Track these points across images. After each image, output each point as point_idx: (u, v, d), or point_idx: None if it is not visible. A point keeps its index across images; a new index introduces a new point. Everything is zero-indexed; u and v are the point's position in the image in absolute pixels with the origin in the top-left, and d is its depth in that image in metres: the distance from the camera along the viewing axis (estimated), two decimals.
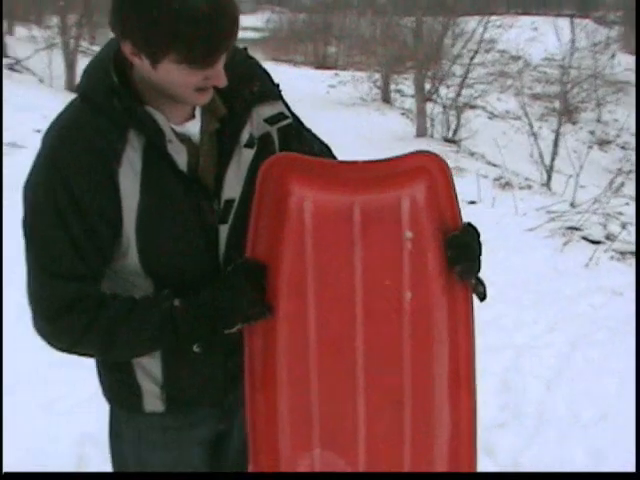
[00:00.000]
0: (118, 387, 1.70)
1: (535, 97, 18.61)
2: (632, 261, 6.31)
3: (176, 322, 1.47)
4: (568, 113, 16.41)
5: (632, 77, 20.11)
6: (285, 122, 1.64)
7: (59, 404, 3.63)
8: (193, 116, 1.53)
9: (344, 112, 14.63)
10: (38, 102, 9.98)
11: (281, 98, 1.65)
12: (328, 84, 17.72)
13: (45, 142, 1.46)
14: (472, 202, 8.00)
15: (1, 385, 2.85)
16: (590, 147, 14.71)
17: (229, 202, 1.56)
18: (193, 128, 1.52)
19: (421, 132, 12.62)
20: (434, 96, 13.43)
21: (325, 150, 1.79)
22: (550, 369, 4.29)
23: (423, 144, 11.71)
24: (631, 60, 22.22)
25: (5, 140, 8.13)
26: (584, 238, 6.67)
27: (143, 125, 1.43)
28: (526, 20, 24.78)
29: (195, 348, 1.54)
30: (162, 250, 1.49)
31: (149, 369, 1.63)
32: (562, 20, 18.54)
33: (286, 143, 1.65)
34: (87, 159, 1.41)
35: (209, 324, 1.49)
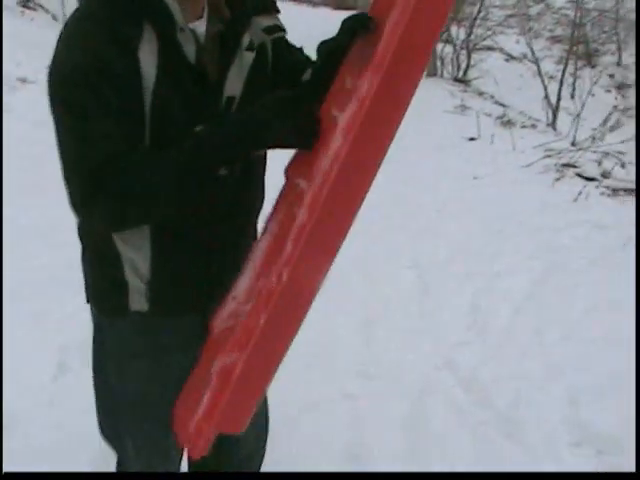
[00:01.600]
0: (105, 284, 1.73)
1: (556, 39, 18.41)
2: (624, 198, 6.41)
3: (201, 142, 1.49)
4: (587, 55, 16.27)
5: None
6: (280, 34, 1.76)
7: (46, 317, 3.84)
8: (201, 16, 1.61)
9: None
10: (50, 39, 10.05)
11: (278, 12, 1.77)
12: None
13: (66, 30, 1.51)
14: (472, 139, 8.09)
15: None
16: (608, 91, 14.60)
17: (231, 99, 1.64)
18: (200, 27, 1.60)
19: (431, 72, 12.57)
20: (445, 35, 13.36)
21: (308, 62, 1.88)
22: (521, 294, 4.44)
23: (432, 83, 11.73)
24: None
25: (17, 75, 8.31)
26: (578, 175, 6.76)
27: (156, 15, 1.49)
28: None
29: (222, 171, 1.55)
30: (170, 134, 1.52)
31: (136, 264, 1.66)
32: None
33: (278, 54, 1.77)
34: (110, 36, 1.45)
35: (237, 142, 1.51)
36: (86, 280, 1.82)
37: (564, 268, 4.80)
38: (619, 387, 3.47)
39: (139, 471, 1.91)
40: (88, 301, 1.84)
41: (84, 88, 1.43)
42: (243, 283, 1.68)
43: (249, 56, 1.67)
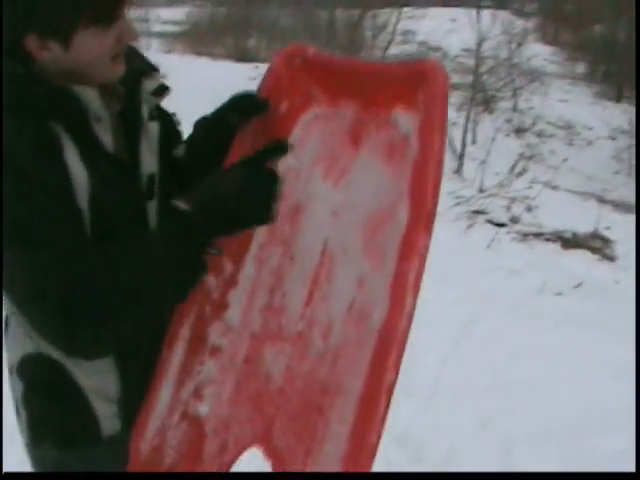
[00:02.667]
0: (65, 418, 1.57)
1: (454, 87, 18.95)
2: (533, 242, 6.61)
3: (189, 223, 1.37)
4: (485, 102, 16.79)
5: (547, 66, 20.72)
6: (167, 93, 1.65)
7: None
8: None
9: None
10: None
11: (157, 71, 1.65)
12: (248, 76, 17.66)
13: None
14: None
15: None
16: (507, 135, 15.08)
17: (151, 177, 1.55)
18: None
19: None
20: None
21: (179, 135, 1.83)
22: (446, 343, 4.50)
23: None
24: (545, 50, 22.92)
25: None
26: (488, 221, 6.93)
27: (63, 110, 1.38)
28: (445, 12, 25.14)
29: (214, 252, 1.42)
30: (108, 229, 1.41)
31: (102, 390, 1.55)
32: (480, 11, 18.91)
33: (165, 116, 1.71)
34: (32, 153, 1.32)
35: (223, 222, 1.41)
36: (30, 419, 1.60)
37: (485, 315, 4.89)
38: (549, 432, 3.54)
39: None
40: (34, 441, 1.63)
41: (24, 204, 1.29)
42: (163, 397, 1.62)
43: (154, 127, 1.59)
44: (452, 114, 14.49)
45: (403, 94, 1.58)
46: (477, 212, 7.13)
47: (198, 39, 21.81)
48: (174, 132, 1.76)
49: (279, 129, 1.71)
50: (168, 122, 1.71)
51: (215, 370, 1.64)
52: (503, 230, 6.69)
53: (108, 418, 1.57)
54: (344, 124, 1.69)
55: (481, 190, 8.23)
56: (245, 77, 18.02)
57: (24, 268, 1.28)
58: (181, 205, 1.37)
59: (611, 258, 6.60)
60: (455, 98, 17.54)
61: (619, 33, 20.83)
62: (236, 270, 1.67)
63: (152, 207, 1.57)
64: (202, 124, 1.75)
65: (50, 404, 1.56)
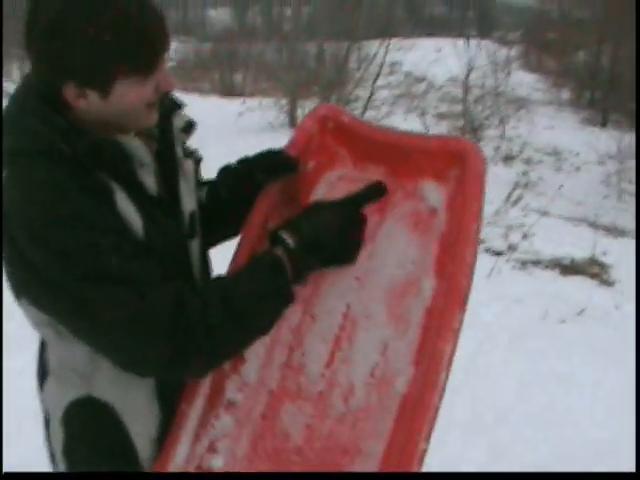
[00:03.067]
0: (105, 456, 1.56)
1: (441, 116, 19.10)
2: (532, 270, 6.62)
3: (291, 257, 1.44)
4: (473, 131, 16.90)
5: (532, 94, 20.91)
6: (194, 129, 1.66)
7: None
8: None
9: (252, 139, 14.71)
10: None
11: (185, 106, 1.65)
12: (236, 111, 17.82)
13: (32, 208, 1.30)
14: None
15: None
16: (495, 163, 15.15)
17: (192, 215, 1.56)
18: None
19: None
20: None
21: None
22: (453, 375, 4.47)
23: None
24: (530, 78, 23.16)
25: None
26: (487, 250, 6.94)
27: (108, 159, 1.37)
28: (430, 42, 25.37)
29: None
30: (158, 273, 1.40)
31: (145, 429, 1.54)
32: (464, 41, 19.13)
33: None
34: (90, 202, 1.33)
35: (321, 262, 1.50)
36: (71, 469, 1.58)
37: (490, 345, 4.88)
38: (560, 461, 3.53)
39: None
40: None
41: (93, 249, 1.30)
42: (180, 453, 1.57)
43: (189, 164, 1.60)
44: None
45: (434, 167, 1.66)
46: None
47: (185, 75, 21.89)
48: (198, 168, 1.76)
49: (304, 187, 1.76)
50: (194, 158, 1.71)
51: (231, 424, 1.61)
52: (502, 258, 6.70)
53: (149, 460, 1.56)
54: None
55: None
56: (233, 112, 18.13)
57: (115, 307, 1.29)
58: (288, 241, 1.44)
59: (610, 283, 6.62)
60: (443, 127, 17.70)
61: (602, 59, 21.05)
62: None
63: (195, 245, 1.58)
64: (228, 175, 1.76)
65: (95, 452, 1.55)
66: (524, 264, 6.75)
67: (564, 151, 18.04)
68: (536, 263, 6.84)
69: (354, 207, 1.52)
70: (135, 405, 1.52)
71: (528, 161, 17.05)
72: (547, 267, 6.77)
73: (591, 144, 16.63)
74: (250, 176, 1.70)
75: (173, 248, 1.49)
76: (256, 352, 1.64)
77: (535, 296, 5.81)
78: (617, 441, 3.77)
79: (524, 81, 22.16)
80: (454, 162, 1.64)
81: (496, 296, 5.76)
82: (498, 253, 6.90)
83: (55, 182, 1.31)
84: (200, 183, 1.76)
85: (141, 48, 1.31)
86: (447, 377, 1.42)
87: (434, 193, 1.67)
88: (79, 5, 1.27)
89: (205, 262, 1.64)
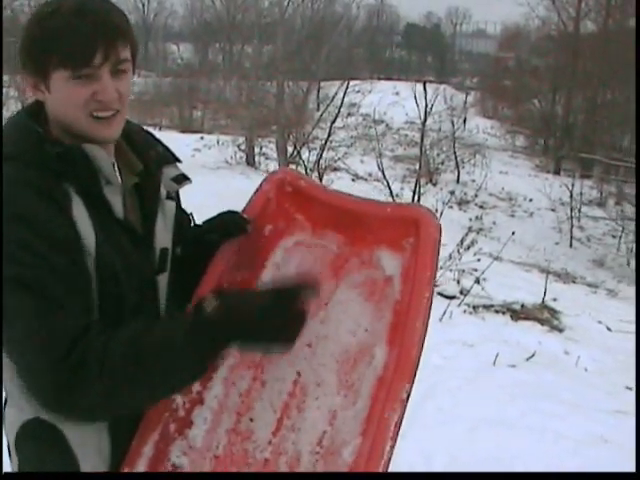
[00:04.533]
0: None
1: (398, 159, 19.33)
2: (484, 314, 6.70)
3: (207, 318, 1.36)
4: (429, 174, 17.13)
5: (488, 139, 21.27)
6: (187, 182, 1.71)
7: None
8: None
9: (209, 176, 14.73)
10: None
11: (180, 162, 1.72)
12: (193, 147, 17.82)
13: None
14: None
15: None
16: (450, 207, 15.34)
17: (164, 251, 1.58)
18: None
19: None
20: (297, 159, 13.78)
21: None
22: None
23: None
24: (486, 123, 23.58)
25: None
26: (439, 294, 7.01)
27: (75, 169, 1.42)
28: (388, 85, 25.78)
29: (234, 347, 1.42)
30: (115, 295, 1.44)
31: (93, 450, 1.52)
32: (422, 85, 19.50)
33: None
34: (42, 205, 1.37)
35: (241, 332, 1.39)
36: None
37: (441, 389, 4.91)
38: None
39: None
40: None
41: (33, 260, 1.33)
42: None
43: (171, 205, 1.64)
44: (397, 185, 14.77)
45: (390, 236, 1.69)
46: None
47: (144, 110, 21.89)
48: (185, 229, 1.78)
49: (260, 252, 1.78)
50: (184, 220, 1.76)
51: None
52: (454, 302, 6.77)
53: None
54: (326, 256, 1.77)
55: None
56: (191, 148, 18.16)
57: (24, 316, 1.32)
58: (208, 304, 1.36)
59: (560, 329, 6.72)
60: (399, 170, 17.92)
61: (556, 108, 21.55)
62: (204, 389, 1.65)
63: (163, 280, 1.59)
64: (187, 233, 1.79)
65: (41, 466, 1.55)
66: (476, 308, 6.83)
67: (518, 196, 18.37)
68: (488, 307, 6.93)
69: (288, 294, 1.40)
70: (83, 433, 1.50)
71: (483, 206, 17.32)
72: (498, 312, 6.86)
73: (544, 190, 16.94)
74: (203, 239, 1.75)
75: (137, 277, 1.50)
76: (203, 416, 1.63)
77: (486, 340, 5.87)
78: None
79: (480, 127, 22.56)
80: (409, 230, 1.67)
81: (448, 340, 5.80)
82: (450, 297, 6.97)
83: (16, 182, 1.38)
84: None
85: (69, 42, 1.40)
86: (393, 447, 1.42)
87: (390, 261, 1.70)
88: (38, 8, 1.48)
89: (174, 299, 1.63)
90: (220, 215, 1.78)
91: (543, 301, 7.31)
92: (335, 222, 1.78)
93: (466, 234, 7.77)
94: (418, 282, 1.55)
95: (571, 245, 14.79)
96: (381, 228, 1.72)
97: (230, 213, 1.77)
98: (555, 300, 7.60)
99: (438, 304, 6.69)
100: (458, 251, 7.32)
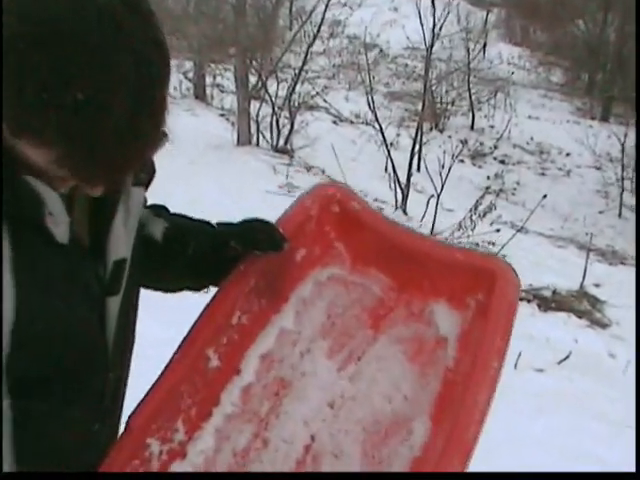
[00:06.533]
0: None
1: (393, 97, 19.25)
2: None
3: None
4: (434, 117, 17.08)
5: (514, 73, 21.19)
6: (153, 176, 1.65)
7: None
8: None
9: None
10: None
11: None
12: None
13: None
14: None
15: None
16: (462, 161, 15.33)
17: (119, 264, 1.53)
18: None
19: (244, 139, 12.75)
20: (262, 92, 13.67)
21: None
22: None
23: (247, 154, 11.92)
24: (510, 51, 23.47)
25: None
26: None
27: (16, 201, 1.36)
28: None
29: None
30: (41, 346, 1.40)
31: None
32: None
33: None
34: None
35: None
36: None
37: None
38: None
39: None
40: None
41: None
42: None
43: (139, 193, 1.57)
44: (392, 130, 14.72)
45: (453, 288, 1.72)
46: None
47: None
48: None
49: (286, 279, 1.80)
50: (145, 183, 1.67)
51: None
52: None
53: None
54: (365, 298, 1.80)
55: (433, 233, 8.32)
56: None
57: None
58: None
59: (603, 325, 6.74)
60: (396, 110, 17.85)
61: (607, 32, 21.33)
62: (188, 439, 1.64)
63: (114, 303, 1.53)
64: (202, 232, 1.79)
65: None
66: None
67: (551, 149, 18.34)
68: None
69: None
70: None
71: (504, 160, 17.30)
72: (522, 299, 6.86)
73: (586, 142, 16.91)
74: (224, 245, 1.74)
75: (76, 317, 1.44)
76: (182, 474, 1.62)
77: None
78: None
79: (504, 56, 22.50)
80: (479, 284, 1.69)
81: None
82: None
83: None
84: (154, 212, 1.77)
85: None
86: None
87: (446, 319, 1.73)
88: None
89: (126, 322, 1.59)
90: (248, 222, 1.78)
91: (582, 287, 7.33)
92: (384, 259, 1.82)
93: (481, 197, 7.77)
94: (486, 351, 1.55)
95: (620, 215, 14.75)
96: (443, 276, 1.75)
97: (262, 222, 1.77)
98: (597, 286, 7.62)
99: None
100: (471, 219, 7.31)
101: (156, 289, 1.83)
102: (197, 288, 1.81)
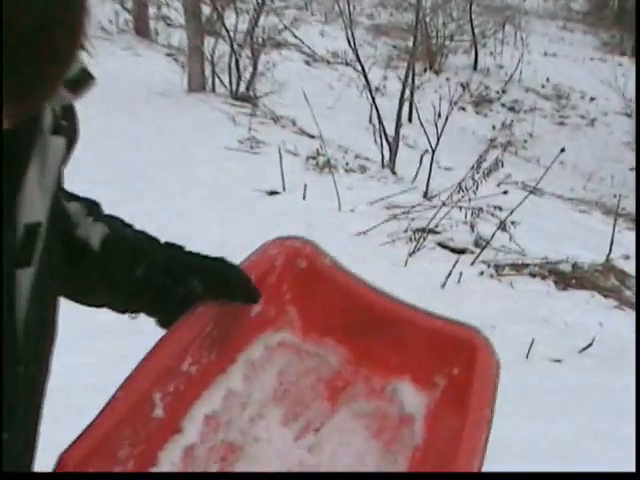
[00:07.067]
0: None
1: (379, 31, 19.24)
2: (513, 279, 6.70)
3: None
4: (429, 56, 17.09)
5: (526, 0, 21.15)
6: (89, 84, 1.49)
7: None
8: None
9: None
10: None
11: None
12: None
13: None
14: (274, 192, 8.18)
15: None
16: (462, 108, 15.36)
17: (31, 228, 1.47)
18: None
19: (197, 84, 12.69)
20: (217, 27, 13.61)
21: None
22: None
23: (201, 102, 11.86)
24: None
25: None
26: (441, 245, 7.01)
27: None
28: None
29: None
30: None
31: None
32: None
33: None
34: None
35: None
36: None
37: None
38: None
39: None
40: None
41: None
42: None
43: (58, 144, 1.49)
44: (377, 72, 14.70)
45: (420, 362, 1.80)
46: (423, 230, 7.19)
47: None
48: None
49: (237, 334, 1.85)
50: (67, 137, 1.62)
51: None
52: (465, 259, 6.76)
53: None
54: (323, 369, 1.87)
55: (427, 196, 8.32)
56: None
57: None
58: None
59: (632, 304, 6.75)
60: (383, 48, 17.83)
61: None
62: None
63: (25, 277, 1.48)
64: (154, 252, 1.81)
65: None
66: (499, 269, 6.83)
67: (572, 93, 18.39)
68: (519, 268, 6.94)
69: None
70: None
71: (514, 107, 17.36)
72: (536, 275, 6.89)
73: (614, 84, 16.94)
74: (185, 278, 1.79)
75: None
76: None
77: (516, 319, 5.88)
78: None
79: None
80: (456, 356, 1.79)
81: (454, 317, 5.80)
82: (460, 251, 6.98)
83: None
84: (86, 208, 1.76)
85: None
86: None
87: (411, 397, 1.81)
88: None
89: (41, 304, 1.59)
90: (213, 262, 1.81)
91: (608, 259, 7.35)
92: (345, 328, 1.89)
93: (486, 152, 7.75)
94: (468, 440, 1.59)
95: None
96: (413, 347, 1.83)
97: (230, 266, 1.80)
98: (627, 258, 7.63)
99: (438, 261, 6.71)
100: (473, 178, 7.30)
101: (76, 301, 1.84)
102: (123, 311, 1.83)
